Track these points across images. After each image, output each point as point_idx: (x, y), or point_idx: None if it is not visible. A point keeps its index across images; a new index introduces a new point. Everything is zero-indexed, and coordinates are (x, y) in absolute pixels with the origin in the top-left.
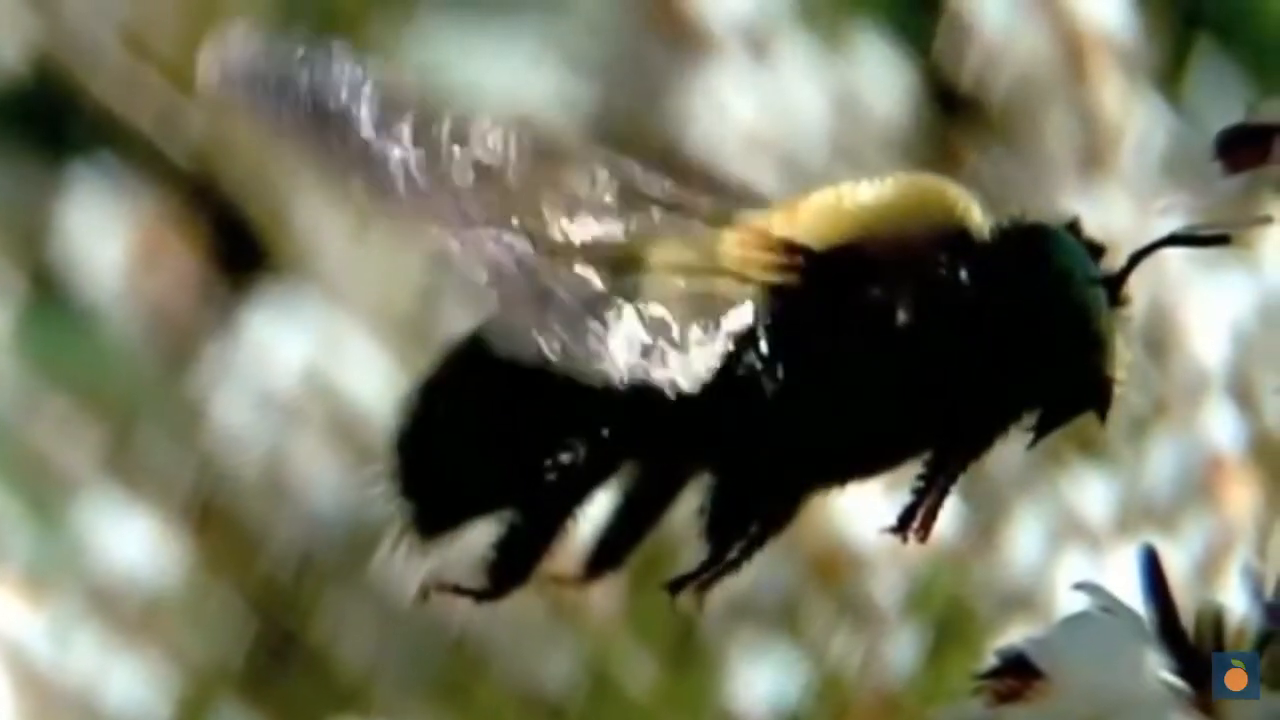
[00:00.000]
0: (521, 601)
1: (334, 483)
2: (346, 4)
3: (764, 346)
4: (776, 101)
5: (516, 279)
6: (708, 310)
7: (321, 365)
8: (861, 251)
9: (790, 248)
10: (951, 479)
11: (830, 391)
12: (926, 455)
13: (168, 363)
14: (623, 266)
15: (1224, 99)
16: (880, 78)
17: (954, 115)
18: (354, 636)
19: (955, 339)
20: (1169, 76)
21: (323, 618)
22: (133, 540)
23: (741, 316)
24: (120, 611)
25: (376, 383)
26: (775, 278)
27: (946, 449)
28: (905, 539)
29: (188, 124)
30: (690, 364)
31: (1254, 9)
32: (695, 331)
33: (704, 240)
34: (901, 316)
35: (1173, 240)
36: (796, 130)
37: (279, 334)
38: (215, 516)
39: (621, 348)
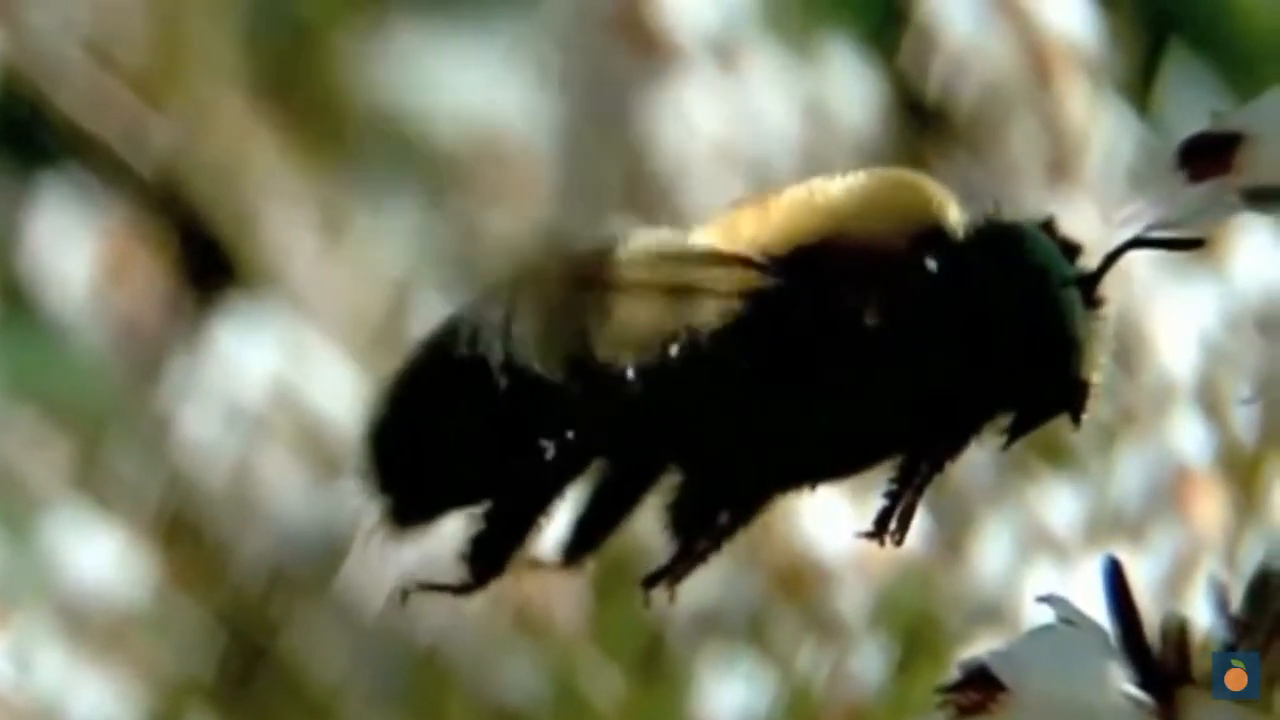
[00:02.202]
0: (489, 615)
1: (302, 496)
2: (316, 17)
3: (733, 346)
4: (745, 112)
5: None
6: (677, 311)
7: (289, 378)
8: (831, 250)
9: (755, 251)
10: (926, 481)
11: (800, 392)
12: (900, 458)
13: (135, 376)
14: (592, 270)
15: (1197, 106)
16: (849, 87)
17: (922, 124)
18: (323, 650)
19: (928, 338)
20: (1140, 84)
21: (292, 631)
22: (100, 555)
23: (711, 316)
24: (88, 627)
25: (344, 395)
26: (743, 279)
27: (920, 451)
28: (882, 542)
29: (155, 137)
30: (660, 364)
31: (1227, 15)
32: (665, 331)
33: (673, 242)
34: (872, 316)
35: (1145, 242)
36: (765, 140)
37: (246, 347)
38: (183, 530)
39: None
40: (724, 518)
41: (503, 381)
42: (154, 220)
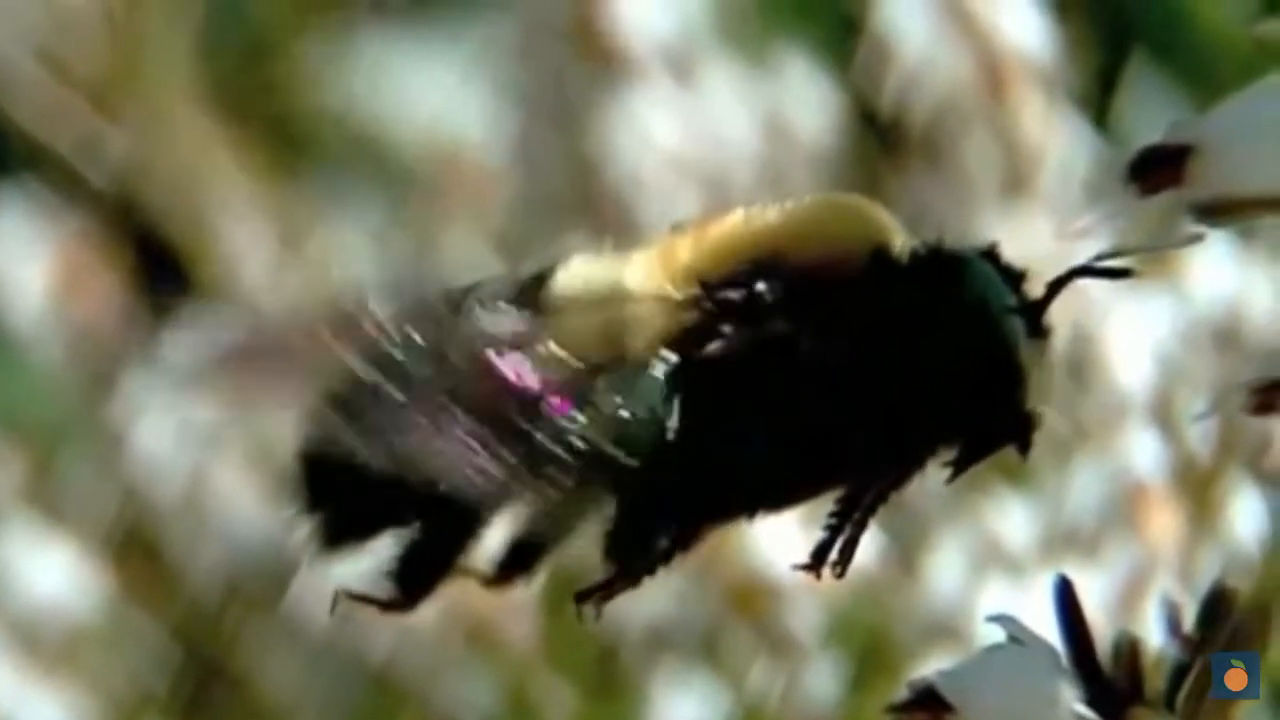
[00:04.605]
0: (442, 630)
1: (256, 510)
2: (273, 27)
3: (668, 375)
4: (701, 124)
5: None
6: (612, 339)
7: None
8: (768, 279)
9: (691, 278)
10: (868, 514)
11: (737, 422)
12: (841, 489)
13: (90, 388)
14: (529, 298)
15: (1157, 118)
16: (806, 99)
17: (878, 137)
18: (277, 665)
19: (867, 369)
20: (1098, 96)
21: (246, 647)
22: (53, 569)
23: (642, 345)
24: (41, 642)
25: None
26: (678, 307)
27: (863, 482)
28: (819, 575)
29: (110, 147)
30: (593, 393)
31: (1188, 25)
32: (595, 360)
33: (609, 268)
34: (809, 344)
35: (1089, 270)
36: (721, 152)
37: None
38: (137, 545)
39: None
40: (662, 544)
41: (431, 402)
42: (109, 231)
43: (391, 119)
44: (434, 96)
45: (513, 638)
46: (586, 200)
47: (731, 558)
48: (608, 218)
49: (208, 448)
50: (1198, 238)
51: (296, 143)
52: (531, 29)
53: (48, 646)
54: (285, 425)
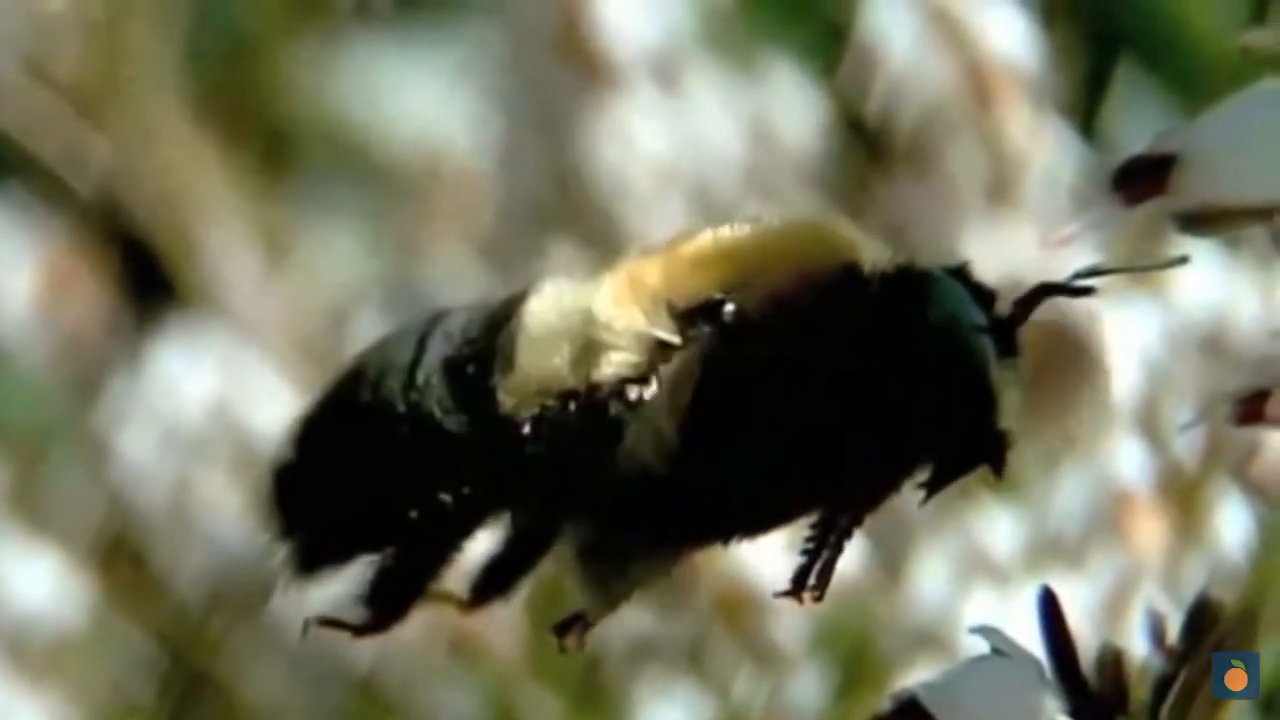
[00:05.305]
0: (426, 641)
1: (241, 517)
2: (258, 34)
3: (636, 402)
4: (686, 131)
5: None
6: (582, 366)
7: (228, 398)
8: (736, 302)
9: (659, 303)
10: (844, 537)
11: (707, 448)
12: (815, 514)
13: (74, 395)
14: (499, 323)
15: (1146, 126)
16: (791, 107)
17: (864, 145)
18: (261, 673)
19: (837, 393)
20: (1086, 104)
21: (230, 654)
22: (38, 577)
23: (614, 370)
24: (26, 650)
25: (284, 416)
26: (646, 332)
27: (837, 506)
28: (800, 600)
29: (95, 155)
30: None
31: (1176, 32)
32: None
33: (579, 294)
34: (779, 368)
35: (1056, 288)
36: (707, 160)
37: (186, 367)
38: (122, 552)
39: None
40: (637, 571)
41: (404, 429)
42: (94, 239)
43: (377, 126)
44: (420, 104)
45: (497, 648)
46: (571, 207)
47: (716, 568)
48: (593, 224)
49: (192, 455)
50: (1182, 260)
51: (282, 150)
52: (517, 36)
53: (33, 654)
54: (269, 433)
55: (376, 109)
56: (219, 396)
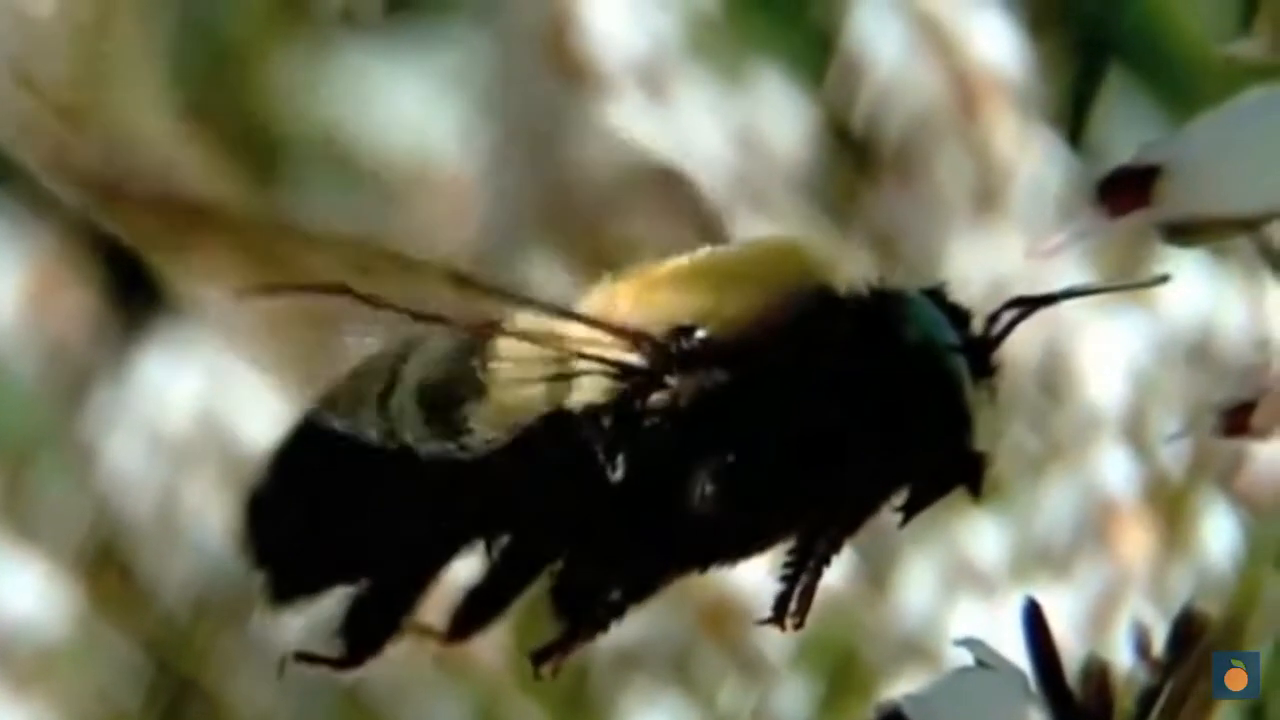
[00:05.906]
0: (411, 651)
1: (228, 526)
2: (245, 40)
3: (609, 430)
4: (674, 140)
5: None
6: (555, 395)
7: (215, 406)
8: (708, 328)
9: (629, 332)
10: (822, 563)
11: (681, 475)
12: (792, 540)
13: (60, 403)
14: (471, 351)
15: (1135, 136)
16: (779, 115)
17: (851, 154)
18: (248, 682)
19: (811, 414)
20: (1074, 113)
21: (217, 663)
22: (23, 586)
23: (586, 398)
24: (11, 659)
25: (271, 424)
26: (618, 359)
27: (814, 531)
28: (783, 626)
29: (80, 162)
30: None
31: (1165, 41)
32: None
33: (551, 321)
34: (752, 392)
35: (1026, 301)
36: (695, 169)
37: (173, 374)
38: (108, 560)
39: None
40: (613, 598)
41: (377, 459)
42: (80, 246)
43: (365, 133)
44: (408, 109)
45: (482, 657)
46: (560, 214)
47: (701, 579)
48: (579, 234)
49: (179, 462)
50: (1163, 279)
51: (269, 156)
52: (506, 44)
53: (19, 662)
54: (257, 441)
55: (364, 116)
56: (206, 404)
